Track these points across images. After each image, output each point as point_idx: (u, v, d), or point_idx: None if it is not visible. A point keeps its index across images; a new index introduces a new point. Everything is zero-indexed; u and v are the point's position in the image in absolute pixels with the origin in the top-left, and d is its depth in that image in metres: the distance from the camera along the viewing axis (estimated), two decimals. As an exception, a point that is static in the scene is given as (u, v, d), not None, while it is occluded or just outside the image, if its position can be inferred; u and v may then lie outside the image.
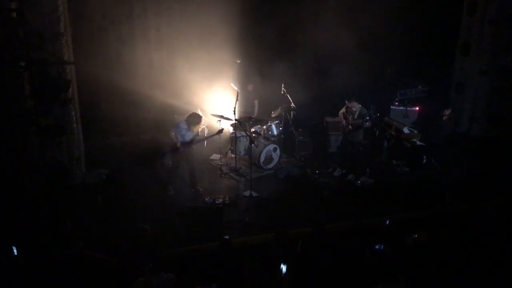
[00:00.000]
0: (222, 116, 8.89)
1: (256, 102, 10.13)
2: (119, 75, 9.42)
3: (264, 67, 10.41)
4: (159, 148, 9.12)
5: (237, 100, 8.81)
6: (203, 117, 8.21)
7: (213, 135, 8.49)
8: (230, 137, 9.61)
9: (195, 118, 7.95)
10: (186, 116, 8.06)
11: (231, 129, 9.73)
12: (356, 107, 8.78)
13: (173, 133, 7.96)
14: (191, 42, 10.00)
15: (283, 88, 9.96)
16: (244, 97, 9.94)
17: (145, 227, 5.49)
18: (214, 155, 9.96)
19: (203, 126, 8.74)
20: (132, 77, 9.69)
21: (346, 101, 8.87)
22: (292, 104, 9.88)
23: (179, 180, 8.40)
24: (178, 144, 7.86)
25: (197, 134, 8.15)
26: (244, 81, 10.10)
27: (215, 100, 10.17)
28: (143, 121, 9.93)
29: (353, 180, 8.75)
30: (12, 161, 6.37)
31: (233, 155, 9.41)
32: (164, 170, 8.76)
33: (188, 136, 7.98)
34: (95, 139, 9.43)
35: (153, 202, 7.78)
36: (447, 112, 9.30)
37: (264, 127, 9.75)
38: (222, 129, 8.46)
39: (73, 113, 8.03)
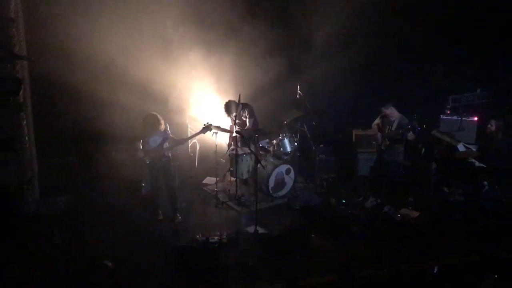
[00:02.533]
0: (218, 128, 8.91)
1: (247, 110, 9.72)
2: (85, 75, 9.52)
3: (269, 61, 10.72)
4: (135, 167, 9.24)
5: (239, 105, 8.91)
6: (159, 116, 8.16)
7: (196, 134, 8.47)
8: (229, 155, 9.64)
9: (150, 120, 7.99)
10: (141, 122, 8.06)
11: (229, 144, 9.75)
12: (394, 115, 8.84)
13: (140, 146, 8.13)
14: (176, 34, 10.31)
15: (299, 91, 10.06)
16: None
17: (106, 263, 5.46)
18: (208, 178, 10.09)
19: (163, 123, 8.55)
20: (102, 78, 9.81)
21: (382, 108, 8.94)
22: (311, 112, 9.96)
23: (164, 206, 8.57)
24: (141, 154, 8.05)
25: (165, 134, 8.13)
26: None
27: (208, 106, 10.41)
28: (115, 133, 9.99)
29: (391, 213, 8.72)
30: None
31: (233, 179, 9.48)
32: (143, 195, 8.94)
33: (155, 141, 8.05)
34: (52, 156, 9.54)
35: (128, 237, 7.85)
36: (494, 123, 9.13)
37: (274, 141, 9.81)
38: (210, 124, 8.36)
39: (25, 122, 8.02)
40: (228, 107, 9.29)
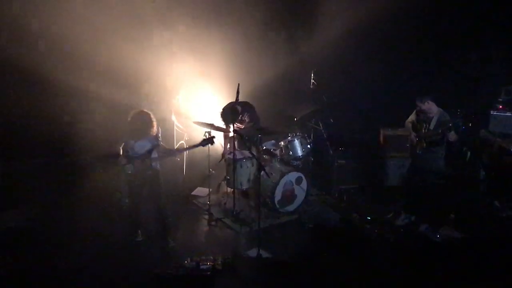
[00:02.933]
0: (212, 126, 8.92)
1: (247, 115, 9.58)
2: (50, 65, 9.75)
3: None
4: (113, 175, 9.19)
5: (237, 98, 8.76)
6: (153, 116, 8.10)
7: (196, 145, 8.39)
8: (225, 160, 9.61)
9: (140, 119, 7.87)
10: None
11: (224, 146, 9.64)
12: (433, 111, 8.73)
13: (118, 143, 7.99)
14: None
15: (312, 80, 10.03)
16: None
17: None
18: (198, 189, 10.15)
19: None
20: (70, 68, 10.02)
21: (417, 102, 8.81)
22: (328, 106, 9.99)
23: (148, 224, 8.55)
24: (122, 161, 7.87)
25: (156, 140, 8.04)
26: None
27: (199, 99, 10.54)
28: (84, 133, 10.08)
29: (429, 233, 8.57)
30: None
31: (229, 190, 9.45)
32: (119, 209, 8.92)
33: (142, 147, 7.90)
34: (7, 160, 9.66)
35: (98, 264, 7.76)
36: None
37: (282, 143, 9.82)
38: (212, 137, 8.33)
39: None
40: (226, 117, 9.16)
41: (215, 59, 10.56)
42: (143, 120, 7.86)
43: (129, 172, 7.94)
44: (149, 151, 7.94)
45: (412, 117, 9.11)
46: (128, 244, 8.23)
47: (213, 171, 9.82)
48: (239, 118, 9.28)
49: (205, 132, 8.37)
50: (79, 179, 9.71)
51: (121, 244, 8.22)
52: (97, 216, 8.98)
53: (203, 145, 8.30)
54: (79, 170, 9.95)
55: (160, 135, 8.18)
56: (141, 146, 7.90)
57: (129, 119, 7.91)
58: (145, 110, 8.02)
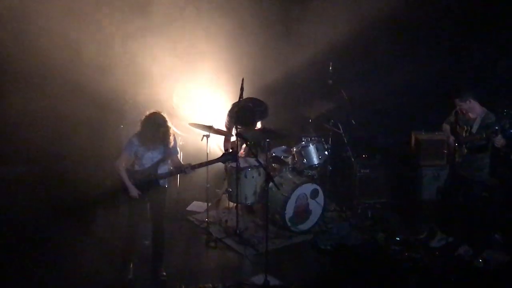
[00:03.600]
0: (210, 128, 9.00)
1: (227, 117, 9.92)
2: (28, 60, 9.96)
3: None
4: (99, 189, 9.27)
5: (241, 96, 8.83)
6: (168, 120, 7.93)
7: (215, 161, 8.24)
8: (226, 169, 9.80)
9: (157, 123, 7.65)
10: (139, 122, 7.81)
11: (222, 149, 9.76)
12: (476, 111, 8.68)
13: (122, 162, 7.71)
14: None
15: (330, 70, 10.19)
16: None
17: None
18: (195, 203, 10.30)
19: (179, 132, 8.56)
20: (51, 65, 10.11)
21: (457, 101, 8.77)
22: (349, 105, 10.06)
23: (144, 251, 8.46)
24: (120, 166, 7.64)
25: (170, 152, 7.87)
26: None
27: (197, 98, 10.64)
28: (67, 137, 10.17)
29: (470, 256, 8.61)
30: None
31: (231, 204, 9.56)
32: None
33: (151, 159, 7.73)
34: None
35: None
36: None
37: (295, 149, 9.87)
38: (236, 152, 8.49)
39: None
40: (243, 119, 9.25)
41: (215, 52, 10.68)
42: (161, 126, 7.60)
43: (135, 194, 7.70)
44: (157, 164, 7.74)
45: (450, 118, 9.00)
46: (116, 284, 8.00)
47: (208, 185, 9.70)
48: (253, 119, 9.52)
49: (227, 148, 8.54)
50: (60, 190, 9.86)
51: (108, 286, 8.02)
52: (83, 246, 8.84)
53: (224, 162, 8.34)
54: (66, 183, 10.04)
55: (177, 146, 8.01)
56: (150, 157, 7.69)
57: (142, 119, 7.71)
58: (160, 112, 7.74)
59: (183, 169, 7.87)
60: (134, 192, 7.60)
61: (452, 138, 8.97)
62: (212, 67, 10.82)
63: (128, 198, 7.78)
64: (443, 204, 9.51)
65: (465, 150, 8.75)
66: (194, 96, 10.79)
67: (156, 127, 7.60)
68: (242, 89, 8.77)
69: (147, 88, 10.40)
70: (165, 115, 7.71)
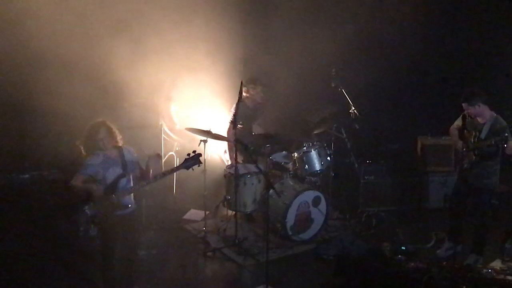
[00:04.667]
0: (209, 133, 8.96)
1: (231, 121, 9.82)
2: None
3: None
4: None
5: (240, 100, 8.80)
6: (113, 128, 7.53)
7: (177, 168, 7.78)
8: (224, 176, 9.68)
9: (95, 133, 7.21)
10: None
11: (226, 158, 9.75)
12: (485, 115, 8.59)
13: (78, 179, 7.22)
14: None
15: (333, 72, 9.96)
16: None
17: None
18: (192, 212, 10.26)
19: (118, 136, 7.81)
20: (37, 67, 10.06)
21: (465, 105, 8.64)
22: (353, 109, 9.90)
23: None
24: (76, 182, 7.12)
25: (131, 162, 7.43)
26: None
27: (195, 101, 10.61)
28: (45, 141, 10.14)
29: (479, 266, 8.36)
30: None
31: (230, 213, 9.53)
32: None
33: (113, 174, 7.32)
34: None
35: None
36: None
37: (296, 154, 9.84)
38: (199, 155, 7.78)
39: None
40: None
41: (215, 53, 10.65)
42: (97, 134, 7.18)
43: (89, 214, 7.21)
44: (117, 180, 7.26)
45: (458, 122, 8.85)
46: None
47: (206, 192, 9.59)
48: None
49: (193, 153, 7.70)
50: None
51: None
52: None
53: (187, 168, 7.61)
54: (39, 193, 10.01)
55: (134, 153, 7.54)
56: (111, 174, 7.23)
57: (85, 134, 7.30)
58: (99, 120, 7.35)
59: (144, 181, 7.44)
60: (98, 189, 7.11)
61: (460, 143, 8.76)
62: (212, 70, 10.78)
63: (99, 228, 7.29)
64: (450, 212, 9.29)
65: (474, 157, 8.67)
66: (192, 100, 10.78)
67: (94, 134, 7.19)
68: (240, 92, 8.76)
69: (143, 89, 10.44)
70: (104, 122, 7.28)
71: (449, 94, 9.84)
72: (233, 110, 9.73)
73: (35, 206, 9.58)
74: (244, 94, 9.54)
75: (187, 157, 7.58)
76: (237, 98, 8.86)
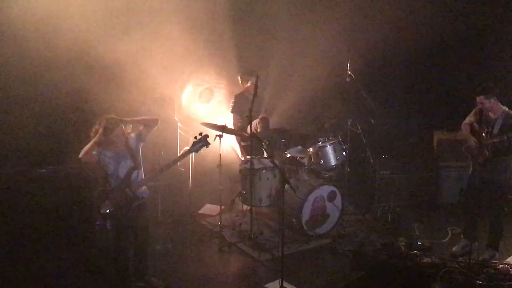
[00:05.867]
0: (223, 128, 8.96)
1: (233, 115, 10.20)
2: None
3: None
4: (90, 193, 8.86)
5: (255, 94, 8.73)
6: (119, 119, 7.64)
7: (187, 153, 7.91)
8: (240, 171, 9.73)
9: (110, 132, 7.38)
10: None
11: (240, 153, 9.81)
12: (497, 110, 8.58)
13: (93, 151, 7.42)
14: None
15: (349, 72, 9.98)
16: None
17: None
18: (207, 206, 10.34)
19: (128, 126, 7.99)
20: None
21: (482, 97, 8.59)
22: (369, 103, 9.92)
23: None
24: (85, 156, 7.32)
25: (138, 152, 7.60)
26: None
27: (210, 96, 10.62)
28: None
29: (495, 262, 8.34)
30: None
31: (245, 207, 9.52)
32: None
33: (124, 168, 7.45)
34: None
35: None
36: None
37: (311, 149, 9.89)
38: (205, 136, 7.96)
39: None
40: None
41: (228, 46, 10.71)
42: (117, 132, 7.37)
43: (107, 211, 7.37)
44: (129, 174, 7.45)
45: (470, 118, 8.88)
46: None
47: (222, 187, 9.64)
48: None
49: (200, 135, 7.85)
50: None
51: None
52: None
53: (196, 151, 7.79)
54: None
55: (133, 137, 7.65)
56: (124, 167, 7.43)
57: (100, 129, 7.36)
58: (118, 118, 7.48)
59: (156, 172, 7.75)
60: (105, 207, 7.28)
61: (473, 139, 8.80)
62: (224, 66, 10.85)
63: (115, 222, 7.46)
64: (465, 208, 9.29)
65: (487, 153, 8.65)
66: (208, 93, 10.80)
67: (108, 133, 7.32)
68: (256, 86, 8.72)
69: (159, 84, 10.41)
70: (120, 121, 7.44)
71: (465, 90, 9.72)
72: (232, 103, 10.07)
73: (52, 201, 9.54)
74: (244, 85, 9.90)
75: (194, 140, 7.73)
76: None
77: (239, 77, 10.13)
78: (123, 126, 7.43)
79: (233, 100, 10.17)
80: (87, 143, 7.41)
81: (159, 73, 10.24)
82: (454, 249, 8.98)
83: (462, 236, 9.10)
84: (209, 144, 7.88)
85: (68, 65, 9.88)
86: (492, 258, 8.60)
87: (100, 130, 7.28)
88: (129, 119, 7.59)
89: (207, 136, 7.82)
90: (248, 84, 10.05)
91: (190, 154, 8.26)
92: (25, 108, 9.86)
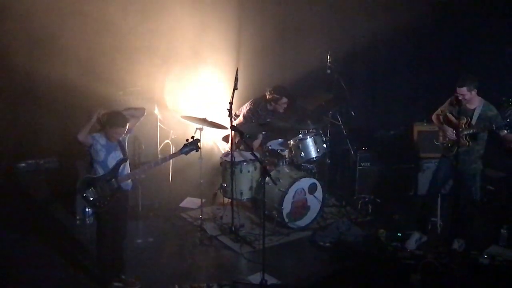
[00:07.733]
0: (204, 121, 8.99)
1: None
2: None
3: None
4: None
5: (235, 88, 8.77)
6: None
7: (175, 154, 8.07)
8: (220, 164, 9.76)
9: (114, 120, 7.37)
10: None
11: (222, 146, 9.79)
12: (474, 101, 8.61)
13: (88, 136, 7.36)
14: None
15: (329, 64, 10.05)
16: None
17: None
18: (188, 199, 10.29)
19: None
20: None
21: (461, 89, 8.55)
22: (348, 96, 10.01)
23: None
24: (83, 137, 7.22)
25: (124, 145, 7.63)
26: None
27: (191, 88, 10.60)
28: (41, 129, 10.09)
29: (475, 253, 8.51)
30: None
31: (227, 200, 9.53)
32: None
33: (114, 159, 7.46)
34: None
35: None
36: None
37: (292, 142, 9.86)
38: (197, 140, 8.00)
39: None
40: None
41: (210, 39, 10.67)
42: (116, 120, 7.33)
43: (91, 199, 7.40)
44: (118, 166, 7.46)
45: (443, 108, 8.90)
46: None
47: (202, 180, 9.65)
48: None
49: (192, 138, 7.91)
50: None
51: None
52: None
53: (185, 153, 7.84)
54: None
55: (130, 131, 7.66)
56: (113, 158, 7.43)
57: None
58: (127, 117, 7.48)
59: (148, 166, 7.86)
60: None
61: (450, 130, 8.81)
62: (207, 58, 10.87)
63: (96, 213, 7.64)
64: (426, 202, 9.34)
65: (467, 142, 8.66)
66: (188, 86, 10.81)
67: (114, 128, 7.32)
68: (236, 79, 8.74)
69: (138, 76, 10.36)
70: (127, 121, 7.47)
71: (444, 81, 9.83)
72: (248, 106, 9.93)
73: (32, 195, 9.62)
74: (267, 96, 9.83)
75: (186, 142, 7.79)
76: (233, 87, 8.76)
77: (269, 90, 10.00)
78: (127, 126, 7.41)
79: (251, 105, 10.01)
80: (68, 136, 7.48)
81: (138, 68, 10.25)
82: (406, 243, 8.91)
83: (415, 230, 9.00)
84: (199, 148, 7.99)
85: (44, 57, 9.86)
86: (461, 247, 8.72)
87: (107, 119, 7.30)
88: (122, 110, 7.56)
89: (198, 140, 7.91)
90: (275, 102, 9.94)
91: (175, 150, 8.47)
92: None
